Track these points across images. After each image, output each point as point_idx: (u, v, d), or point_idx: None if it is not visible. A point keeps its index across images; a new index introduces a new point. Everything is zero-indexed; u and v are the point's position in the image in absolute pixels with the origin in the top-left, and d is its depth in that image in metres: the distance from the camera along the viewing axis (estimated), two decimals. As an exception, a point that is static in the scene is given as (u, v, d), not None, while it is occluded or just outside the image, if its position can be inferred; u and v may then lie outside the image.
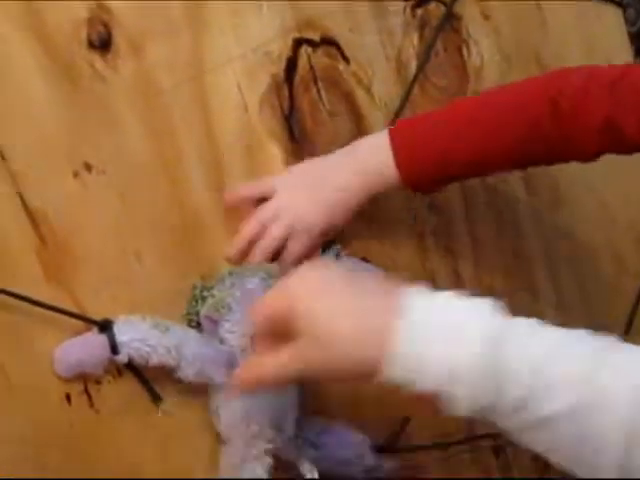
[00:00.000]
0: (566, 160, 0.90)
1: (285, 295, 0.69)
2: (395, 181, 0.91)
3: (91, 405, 0.90)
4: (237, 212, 0.95)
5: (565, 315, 1.11)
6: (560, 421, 0.62)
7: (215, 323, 0.91)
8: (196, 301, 0.93)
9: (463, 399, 0.63)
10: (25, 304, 0.86)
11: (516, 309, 0.66)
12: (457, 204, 1.07)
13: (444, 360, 0.63)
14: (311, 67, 0.98)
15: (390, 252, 1.04)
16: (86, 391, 0.90)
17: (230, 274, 0.93)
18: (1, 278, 0.85)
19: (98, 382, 0.90)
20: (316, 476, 0.92)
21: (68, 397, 0.89)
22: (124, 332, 0.88)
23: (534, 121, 0.87)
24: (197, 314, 0.93)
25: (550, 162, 0.92)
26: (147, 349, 0.88)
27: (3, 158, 0.85)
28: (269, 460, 0.92)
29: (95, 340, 0.88)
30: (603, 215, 1.15)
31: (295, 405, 0.93)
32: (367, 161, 0.92)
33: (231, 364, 0.89)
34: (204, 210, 0.95)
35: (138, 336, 0.88)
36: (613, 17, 1.15)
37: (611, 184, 1.13)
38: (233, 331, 0.91)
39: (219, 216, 0.95)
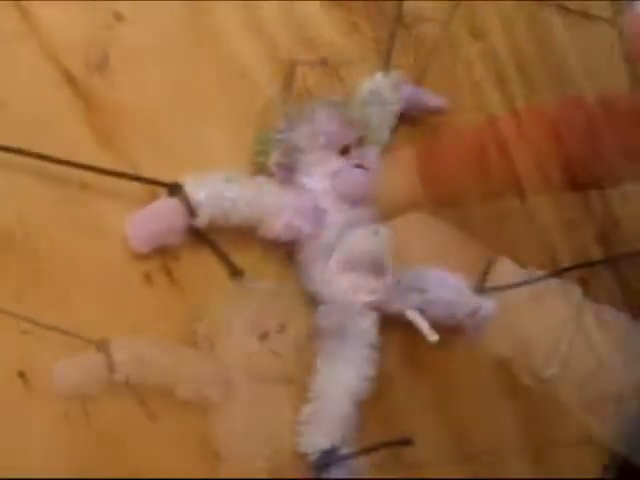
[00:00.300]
0: None
1: None
2: None
3: (172, 281, 0.78)
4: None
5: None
6: None
7: (290, 170, 0.81)
8: (262, 153, 0.82)
9: None
10: (80, 176, 0.75)
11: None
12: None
13: None
14: None
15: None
16: (166, 267, 0.78)
17: (295, 113, 0.82)
18: (54, 150, 0.74)
19: (176, 257, 0.79)
20: (426, 326, 0.83)
21: (148, 277, 0.77)
22: (198, 190, 0.77)
23: None
24: (264, 166, 0.82)
25: None
26: (227, 204, 0.77)
27: (27, 14, 0.75)
28: (374, 314, 0.82)
29: (168, 205, 0.77)
30: None
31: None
32: None
33: (317, 213, 0.81)
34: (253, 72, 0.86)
35: (215, 192, 0.77)
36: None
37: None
38: (311, 174, 0.81)
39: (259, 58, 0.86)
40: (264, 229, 0.81)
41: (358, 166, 0.83)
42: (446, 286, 0.88)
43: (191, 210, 0.76)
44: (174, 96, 0.81)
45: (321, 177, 0.83)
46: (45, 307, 0.74)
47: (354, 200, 0.83)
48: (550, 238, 1.01)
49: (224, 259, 0.82)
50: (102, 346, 0.75)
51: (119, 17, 0.78)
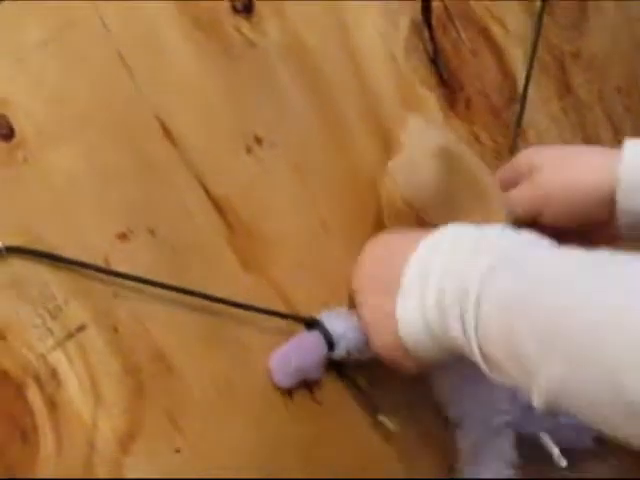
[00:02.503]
0: None
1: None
2: None
3: (313, 398, 0.82)
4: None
5: None
6: None
7: None
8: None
9: None
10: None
11: None
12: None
13: None
14: (445, 6, 0.93)
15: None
16: (306, 384, 0.82)
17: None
18: (201, 276, 0.77)
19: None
20: (557, 452, 0.84)
21: (289, 393, 0.81)
22: (335, 324, 0.81)
23: None
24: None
25: None
26: (364, 337, 0.81)
27: (175, 145, 0.77)
28: (511, 432, 0.84)
29: (309, 339, 0.81)
30: None
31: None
32: None
33: None
34: (378, 175, 0.88)
35: (351, 325, 0.81)
36: None
37: None
38: None
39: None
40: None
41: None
42: None
43: (330, 343, 0.80)
44: (307, 216, 0.84)
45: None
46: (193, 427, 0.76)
47: None
48: None
49: (365, 395, 0.85)
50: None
51: (259, 141, 0.81)
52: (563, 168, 0.85)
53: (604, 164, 0.82)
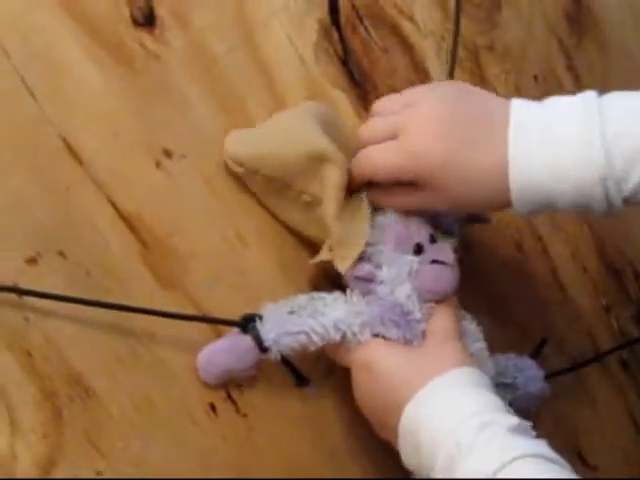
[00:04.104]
0: None
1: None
2: None
3: (237, 411, 0.82)
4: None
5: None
6: None
7: (368, 281, 0.83)
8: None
9: None
10: (141, 317, 0.78)
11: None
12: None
13: None
14: (353, 6, 0.94)
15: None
16: (229, 397, 0.82)
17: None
18: (116, 296, 0.78)
19: (239, 385, 0.84)
20: None
21: (213, 407, 0.81)
22: (269, 328, 0.81)
23: None
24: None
25: None
26: (301, 341, 0.81)
27: (82, 163, 0.78)
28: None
29: (240, 343, 0.81)
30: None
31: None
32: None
33: (405, 320, 0.83)
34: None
35: (287, 328, 0.81)
36: None
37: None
38: (389, 281, 0.84)
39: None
40: (350, 343, 0.83)
41: (435, 262, 0.85)
42: (535, 380, 0.95)
43: (263, 348, 0.80)
44: (221, 227, 0.85)
45: (400, 281, 0.84)
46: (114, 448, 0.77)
47: (440, 296, 0.85)
48: (590, 323, 1.05)
49: (291, 368, 0.85)
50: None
51: (168, 154, 0.81)
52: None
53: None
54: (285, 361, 0.84)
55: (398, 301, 0.82)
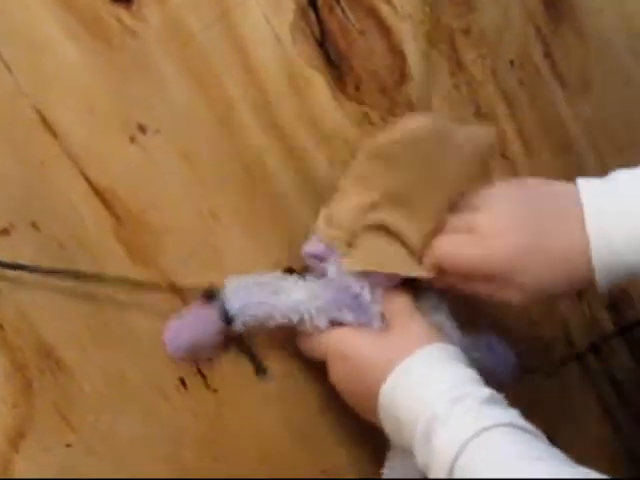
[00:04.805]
0: None
1: None
2: None
3: (207, 386, 0.83)
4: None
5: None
6: None
7: (323, 259, 0.85)
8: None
9: None
10: (113, 290, 0.80)
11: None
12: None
13: None
14: (330, -14, 0.95)
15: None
16: (199, 371, 0.83)
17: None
18: (86, 267, 0.79)
19: (209, 359, 0.85)
20: None
21: (183, 382, 0.82)
22: (233, 299, 0.81)
23: None
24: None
25: None
26: (265, 310, 0.82)
27: (57, 137, 0.78)
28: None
29: (205, 313, 0.82)
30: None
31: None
32: None
33: (357, 302, 0.84)
34: (266, 154, 0.90)
35: (251, 299, 0.82)
36: None
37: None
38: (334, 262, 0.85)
39: (282, 157, 0.91)
40: (305, 327, 0.84)
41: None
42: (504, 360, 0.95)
43: (227, 319, 0.81)
44: (195, 202, 0.85)
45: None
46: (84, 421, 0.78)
47: (391, 282, 0.86)
48: (562, 310, 1.06)
49: (252, 358, 0.86)
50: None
51: (142, 129, 0.82)
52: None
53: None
54: (245, 348, 0.86)
55: (347, 283, 0.83)
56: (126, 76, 0.83)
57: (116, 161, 0.82)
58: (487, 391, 0.76)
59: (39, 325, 0.77)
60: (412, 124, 0.84)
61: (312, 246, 0.84)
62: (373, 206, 0.84)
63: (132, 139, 0.82)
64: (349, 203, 0.83)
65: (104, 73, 0.82)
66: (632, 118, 1.09)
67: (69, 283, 0.77)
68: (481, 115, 1.03)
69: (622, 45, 1.09)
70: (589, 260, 0.79)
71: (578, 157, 1.04)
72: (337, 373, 0.83)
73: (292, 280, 0.85)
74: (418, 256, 0.85)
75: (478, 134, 0.88)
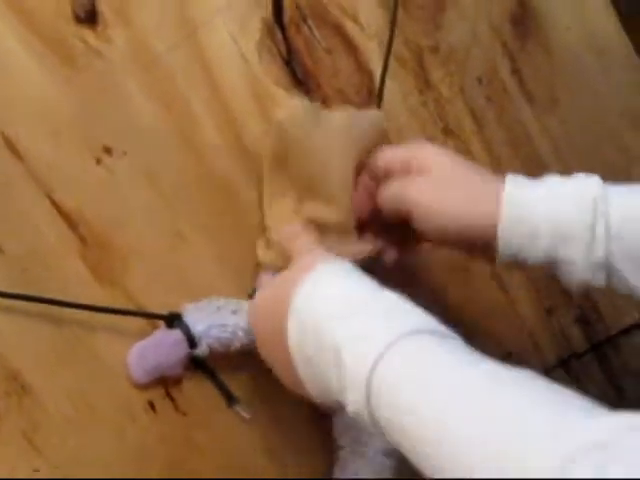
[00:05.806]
0: None
1: None
2: None
3: (177, 409, 0.84)
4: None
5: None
6: None
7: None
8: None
9: None
10: (79, 313, 0.80)
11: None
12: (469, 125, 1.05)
13: None
14: (297, 6, 0.95)
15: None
16: (168, 394, 0.83)
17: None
18: (51, 289, 0.78)
19: (178, 382, 0.85)
20: None
21: (152, 405, 0.82)
22: (197, 322, 0.82)
23: None
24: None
25: None
26: (227, 334, 0.82)
27: (21, 159, 0.79)
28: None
29: (169, 337, 0.82)
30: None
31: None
32: None
33: None
34: (232, 174, 0.91)
35: (214, 321, 0.83)
36: None
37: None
38: None
39: (248, 176, 0.92)
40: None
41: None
42: None
43: (191, 341, 0.80)
44: (161, 224, 0.86)
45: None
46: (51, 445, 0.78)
47: None
48: (532, 325, 1.07)
49: (221, 388, 0.87)
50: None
51: (108, 151, 0.82)
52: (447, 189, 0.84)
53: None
54: (215, 380, 0.86)
55: None
56: (91, 97, 0.83)
57: (82, 183, 0.82)
58: (394, 296, 0.70)
59: (4, 349, 0.77)
60: (280, 117, 0.87)
61: (262, 280, 0.85)
62: (300, 201, 0.86)
63: (98, 161, 0.83)
64: (280, 215, 0.84)
65: (69, 94, 0.82)
66: (599, 133, 1.10)
67: (34, 306, 0.76)
68: (449, 132, 1.04)
69: (588, 61, 1.09)
70: (497, 203, 0.80)
71: (546, 172, 1.05)
72: (258, 343, 0.80)
73: (244, 302, 0.85)
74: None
75: (367, 114, 0.92)
